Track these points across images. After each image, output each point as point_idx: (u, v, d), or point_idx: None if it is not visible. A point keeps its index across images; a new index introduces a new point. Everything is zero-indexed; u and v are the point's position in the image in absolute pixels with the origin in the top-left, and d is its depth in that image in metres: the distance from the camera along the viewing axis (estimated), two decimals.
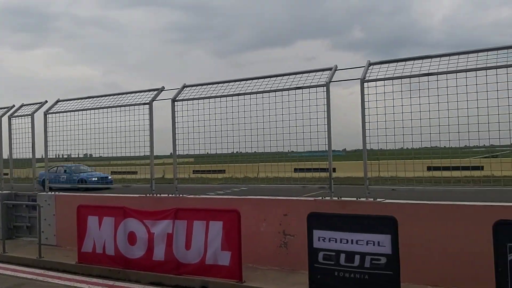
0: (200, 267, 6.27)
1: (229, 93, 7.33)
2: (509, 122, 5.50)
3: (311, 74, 6.92)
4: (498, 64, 5.69)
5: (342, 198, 6.41)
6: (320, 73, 6.85)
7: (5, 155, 10.04)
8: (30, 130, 9.45)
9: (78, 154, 9.69)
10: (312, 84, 6.73)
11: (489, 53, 5.91)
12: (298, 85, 6.85)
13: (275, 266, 6.58)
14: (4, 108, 10.02)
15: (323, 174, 6.79)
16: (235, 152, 7.62)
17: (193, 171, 9.05)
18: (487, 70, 5.71)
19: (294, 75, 7.04)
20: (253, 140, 7.19)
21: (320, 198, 6.61)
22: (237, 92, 7.27)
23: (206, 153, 7.90)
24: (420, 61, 6.23)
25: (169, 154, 8.10)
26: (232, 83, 7.50)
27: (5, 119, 9.86)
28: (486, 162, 6.27)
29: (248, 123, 7.19)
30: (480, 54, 5.98)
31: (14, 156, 9.92)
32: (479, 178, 6.08)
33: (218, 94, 7.41)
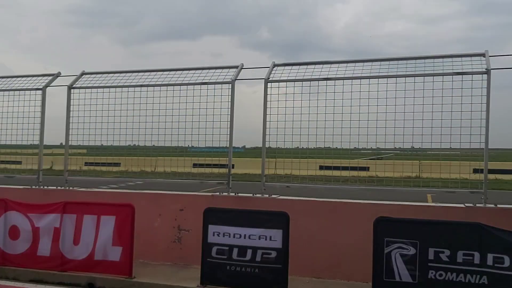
0: (87, 263, 5.96)
1: (131, 84, 7.10)
2: (394, 127, 5.94)
3: (217, 70, 6.95)
4: (390, 73, 6.13)
5: (239, 194, 6.48)
6: (227, 70, 6.90)
7: None
8: None
9: None
10: (218, 80, 6.76)
11: (382, 63, 6.37)
12: (204, 80, 6.83)
13: (168, 262, 6.48)
14: None
15: (222, 170, 6.82)
16: (132, 145, 7.38)
17: (85, 163, 8.62)
18: (379, 79, 6.13)
19: (201, 70, 7.02)
20: (153, 134, 7.05)
21: (218, 193, 6.62)
22: (141, 83, 7.07)
23: (100, 144, 7.55)
24: (321, 66, 6.53)
25: (59, 144, 7.63)
26: (136, 74, 7.27)
27: None
28: (372, 164, 6.73)
29: (149, 116, 7.03)
30: (374, 63, 6.42)
31: None
32: (365, 178, 6.50)
33: (119, 84, 7.13)
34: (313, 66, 6.57)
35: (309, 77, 6.43)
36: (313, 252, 5.87)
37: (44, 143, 7.57)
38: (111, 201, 6.39)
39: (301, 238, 5.66)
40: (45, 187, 7.35)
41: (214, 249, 5.44)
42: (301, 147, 6.47)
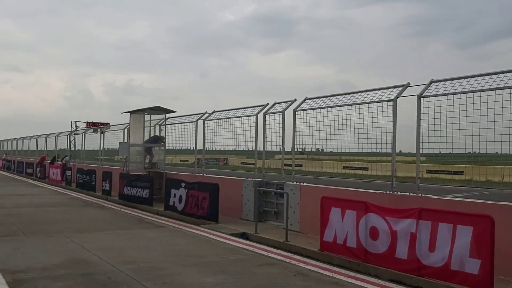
0: (443, 271, 5.94)
1: (482, 88, 6.68)
2: None
3: None
4: None
5: None
6: None
7: (260, 147, 11.40)
8: (281, 125, 10.52)
9: (311, 149, 10.37)
10: None
11: None
12: None
13: None
14: (260, 106, 11.37)
15: None
16: (473, 152, 6.95)
17: (427, 170, 8.63)
18: None
19: None
20: (496, 140, 6.47)
21: None
22: (492, 87, 6.56)
23: (439, 152, 7.42)
24: None
25: (398, 151, 7.89)
26: (483, 77, 6.81)
27: (261, 116, 11.19)
28: None
29: (492, 121, 6.47)
30: None
31: (267, 149, 11.21)
32: None
33: (470, 89, 6.82)
34: None
35: None
36: None
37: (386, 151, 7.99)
38: (467, 211, 6.17)
39: None
40: (398, 193, 7.75)
41: None
42: None
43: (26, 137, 37.82)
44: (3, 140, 49.90)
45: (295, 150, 10.40)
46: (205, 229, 10.05)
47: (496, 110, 6.50)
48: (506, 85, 6.42)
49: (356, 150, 9.10)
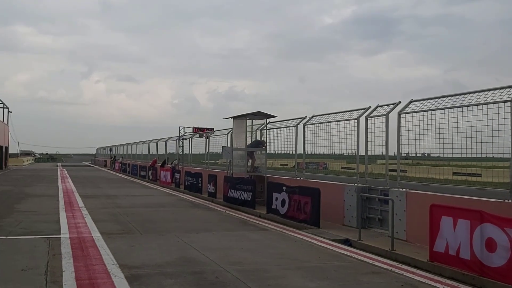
0: None
1: None
2: None
3: None
4: None
5: None
6: None
7: (361, 152, 11.15)
8: (384, 129, 10.19)
9: (416, 153, 9.88)
10: None
11: None
12: None
13: None
14: (361, 109, 11.14)
15: None
16: None
17: None
18: None
19: None
20: None
21: None
22: None
23: None
24: None
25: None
26: None
27: (362, 119, 10.96)
28: None
29: None
30: None
31: (369, 153, 10.94)
32: None
33: None
34: None
35: None
36: None
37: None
38: None
39: None
40: None
41: None
42: None
43: (139, 142, 41.00)
44: (120, 145, 54.59)
45: (401, 154, 10.02)
46: (307, 234, 10.08)
47: None
48: None
49: (467, 155, 8.54)
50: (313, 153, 14.00)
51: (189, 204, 16.65)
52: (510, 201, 7.23)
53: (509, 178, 7.41)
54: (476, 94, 8.31)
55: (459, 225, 6.86)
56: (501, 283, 6.09)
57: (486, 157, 8.15)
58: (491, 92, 8.00)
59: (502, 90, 7.78)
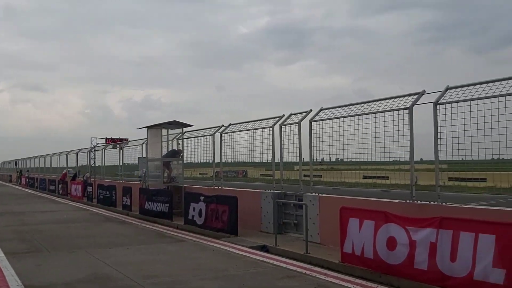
0: (467, 282, 5.80)
1: (499, 94, 6.61)
2: None
3: None
4: None
5: None
6: None
7: (278, 159, 11.40)
8: (297, 136, 10.51)
9: (331, 159, 10.31)
10: None
11: None
12: None
13: None
14: (276, 117, 11.40)
15: None
16: (496, 158, 6.82)
17: (449, 178, 8.51)
18: None
19: None
20: None
21: None
22: (509, 92, 6.47)
23: (460, 159, 7.31)
24: None
25: (419, 159, 7.80)
26: (499, 83, 6.74)
27: (277, 127, 11.22)
28: None
29: None
30: None
31: (285, 160, 11.21)
32: None
33: (486, 95, 6.74)
34: None
35: None
36: None
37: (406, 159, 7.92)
38: (489, 219, 6.06)
39: None
40: (418, 201, 7.66)
41: None
42: None
43: (48, 154, 38.59)
44: (27, 158, 50.99)
45: (314, 160, 10.37)
46: (225, 242, 10.06)
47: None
48: None
49: (375, 159, 9.04)
50: (232, 161, 14.06)
51: (102, 219, 15.94)
52: (410, 201, 7.76)
53: (408, 180, 7.94)
54: (379, 102, 8.84)
55: (364, 226, 7.23)
56: (406, 279, 6.49)
57: (393, 160, 8.66)
58: (392, 100, 8.54)
59: (402, 98, 8.35)
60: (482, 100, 6.79)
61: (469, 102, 6.97)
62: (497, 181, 7.87)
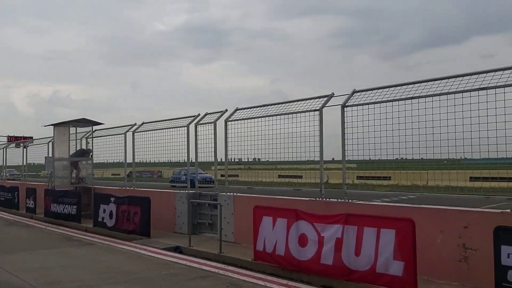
0: (370, 274, 6.14)
1: (401, 97, 7.09)
2: None
3: (497, 73, 6.28)
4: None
5: None
6: (508, 71, 6.18)
7: (194, 159, 11.28)
8: (212, 136, 10.49)
9: (248, 159, 10.44)
10: (498, 84, 6.11)
11: None
12: (482, 86, 6.28)
13: (454, 282, 6.12)
14: (191, 116, 11.29)
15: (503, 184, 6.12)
16: (400, 158, 7.33)
17: (357, 176, 8.98)
18: None
19: (477, 75, 6.47)
20: (420, 146, 6.87)
21: (509, 210, 5.94)
22: (410, 96, 6.98)
23: (369, 158, 7.77)
24: None
25: (331, 159, 8.17)
26: (404, 87, 7.22)
27: (192, 127, 11.11)
28: None
29: (416, 128, 6.88)
30: None
31: (202, 160, 11.13)
32: None
33: (389, 99, 7.21)
34: None
35: None
36: None
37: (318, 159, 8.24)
38: (390, 215, 6.47)
39: None
40: (327, 199, 7.98)
41: (511, 273, 4.88)
42: None
43: None
44: None
45: (232, 160, 10.40)
46: (137, 245, 9.76)
47: (420, 117, 6.88)
48: (422, 94, 6.83)
49: (289, 159, 9.27)
50: (147, 161, 13.68)
51: (3, 222, 14.73)
52: (320, 199, 8.07)
53: (317, 179, 8.25)
54: (294, 103, 9.08)
55: (277, 224, 7.39)
56: (315, 275, 6.73)
57: (306, 160, 8.92)
58: (305, 101, 8.82)
59: (313, 100, 8.64)
60: (385, 103, 7.24)
61: (373, 105, 7.41)
62: (400, 179, 8.42)
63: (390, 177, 9.18)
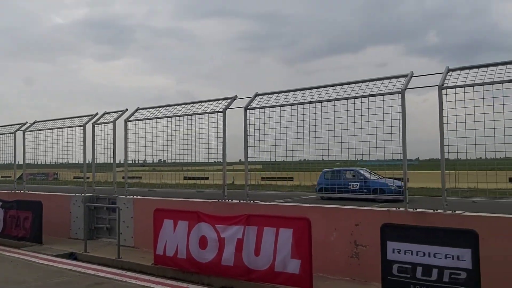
0: (269, 273, 6.28)
1: (300, 101, 7.36)
2: None
3: (385, 81, 6.78)
4: None
5: (418, 210, 6.18)
6: (395, 80, 6.70)
7: (88, 160, 10.73)
8: (112, 136, 10.05)
9: (153, 160, 10.18)
10: (386, 91, 6.59)
11: None
12: (371, 92, 6.73)
13: (347, 277, 6.48)
14: (89, 115, 10.73)
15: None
16: (302, 160, 7.62)
17: (262, 178, 9.17)
18: None
19: (367, 82, 6.94)
20: (323, 149, 7.19)
21: (394, 208, 6.42)
22: (309, 100, 7.28)
23: (274, 160, 7.97)
24: (504, 66, 5.92)
25: (237, 160, 8.26)
26: (303, 91, 7.51)
27: (89, 126, 10.56)
28: None
29: (319, 131, 7.19)
30: None
31: (96, 161, 10.60)
32: None
33: (289, 102, 7.46)
34: (494, 68, 5.98)
35: (491, 80, 5.87)
36: (507, 277, 5.27)
37: (227, 160, 8.28)
38: (288, 214, 6.67)
39: (491, 260, 5.13)
40: (230, 200, 8.03)
41: (395, 267, 5.26)
42: (486, 157, 5.91)
43: None
44: None
45: (136, 161, 10.04)
46: (27, 252, 9.05)
47: (317, 121, 7.17)
48: (318, 99, 7.15)
49: (195, 160, 9.15)
50: (42, 162, 12.71)
51: None
52: (223, 200, 8.09)
53: (221, 180, 8.28)
54: (199, 104, 9.01)
55: (178, 227, 7.29)
56: (215, 276, 6.73)
57: (215, 161, 8.87)
58: (211, 102, 8.79)
59: (218, 102, 8.64)
60: (285, 107, 7.46)
61: (274, 108, 7.61)
62: (302, 180, 8.72)
63: (292, 178, 9.49)
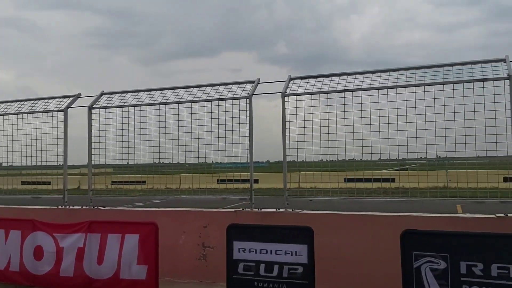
0: (113, 282, 5.96)
1: (150, 102, 7.19)
2: (417, 137, 5.86)
3: (234, 86, 6.99)
4: (408, 83, 6.07)
5: (262, 209, 6.46)
6: (244, 85, 6.95)
7: None
8: None
9: None
10: (235, 96, 6.79)
11: (400, 72, 6.30)
12: (221, 96, 6.87)
13: (194, 280, 6.48)
14: None
15: (245, 185, 6.83)
16: (156, 162, 7.44)
17: (112, 181, 8.72)
18: (398, 89, 6.06)
19: (218, 86, 7.08)
20: (176, 151, 7.12)
21: (241, 209, 6.62)
22: (159, 101, 7.15)
23: (126, 163, 7.63)
24: (338, 77, 6.52)
25: (85, 163, 7.74)
26: (154, 92, 7.37)
27: None
28: (396, 175, 6.64)
29: (170, 133, 7.10)
30: (391, 73, 6.36)
31: None
32: (390, 190, 6.40)
33: (138, 103, 7.23)
34: (330, 78, 6.58)
35: (326, 90, 6.44)
36: (339, 268, 5.79)
37: (72, 163, 7.71)
38: (135, 220, 6.43)
39: (326, 253, 5.59)
40: (71, 207, 7.45)
41: (241, 265, 5.40)
42: (324, 160, 6.44)
43: None
44: None
45: None
46: None
47: (167, 123, 7.04)
48: (169, 100, 7.08)
49: (35, 163, 8.28)
50: None
51: None
52: (62, 207, 7.48)
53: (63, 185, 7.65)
54: (37, 101, 8.23)
55: (10, 237, 6.51)
56: None
57: (58, 165, 8.09)
58: (51, 100, 8.11)
59: (60, 100, 8.01)
60: (133, 107, 7.20)
61: (127, 108, 7.26)
62: (155, 183, 8.47)
63: (145, 181, 9.17)
